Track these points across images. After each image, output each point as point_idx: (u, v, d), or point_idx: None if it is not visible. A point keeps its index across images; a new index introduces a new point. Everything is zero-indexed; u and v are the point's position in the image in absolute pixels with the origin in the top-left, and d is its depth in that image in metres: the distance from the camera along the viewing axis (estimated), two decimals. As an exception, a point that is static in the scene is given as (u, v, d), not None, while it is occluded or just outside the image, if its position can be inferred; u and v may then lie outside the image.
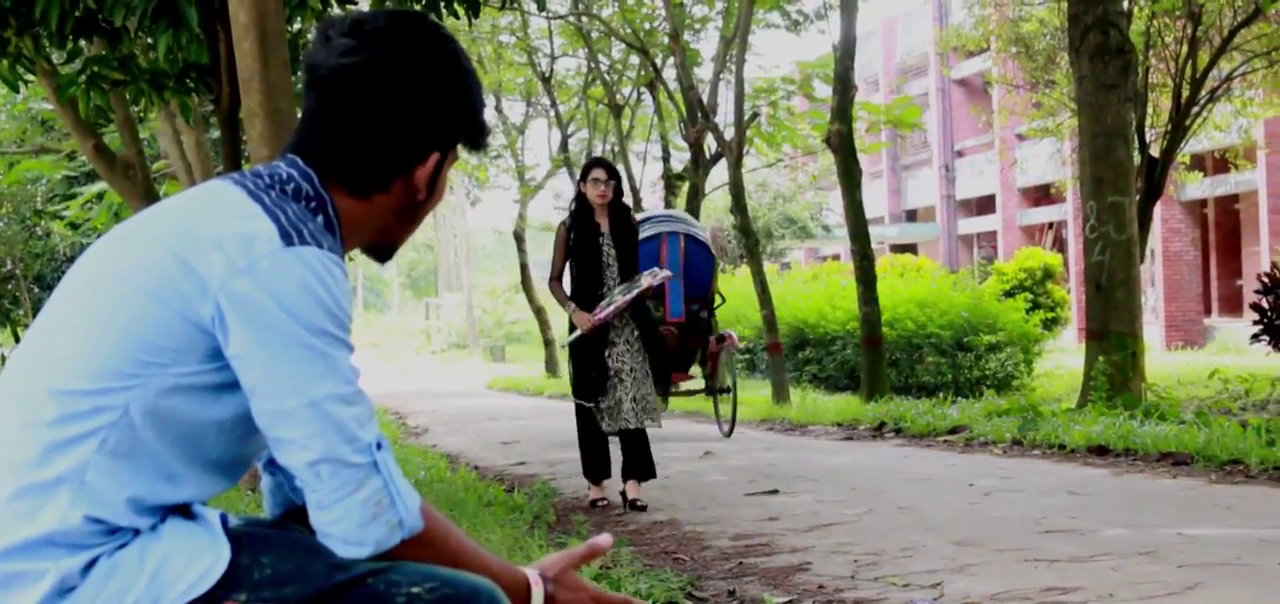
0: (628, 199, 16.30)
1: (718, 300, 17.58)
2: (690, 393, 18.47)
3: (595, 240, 10.46)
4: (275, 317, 2.43)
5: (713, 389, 17.33)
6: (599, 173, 10.47)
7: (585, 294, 10.44)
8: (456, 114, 2.74)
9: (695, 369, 17.64)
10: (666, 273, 11.32)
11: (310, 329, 2.44)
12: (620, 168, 32.10)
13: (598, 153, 34.91)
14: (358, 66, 2.64)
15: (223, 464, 2.60)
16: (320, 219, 2.62)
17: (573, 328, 10.54)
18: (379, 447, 2.50)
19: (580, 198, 10.55)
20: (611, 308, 10.24)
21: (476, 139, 2.81)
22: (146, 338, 2.45)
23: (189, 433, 2.51)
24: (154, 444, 2.48)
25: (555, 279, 10.62)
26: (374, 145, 2.67)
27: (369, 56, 2.64)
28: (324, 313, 2.46)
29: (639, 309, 10.50)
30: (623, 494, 10.40)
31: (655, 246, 16.69)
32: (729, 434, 16.51)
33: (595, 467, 10.62)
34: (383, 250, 2.86)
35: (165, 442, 2.49)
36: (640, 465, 10.43)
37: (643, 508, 10.14)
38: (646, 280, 10.35)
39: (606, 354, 10.36)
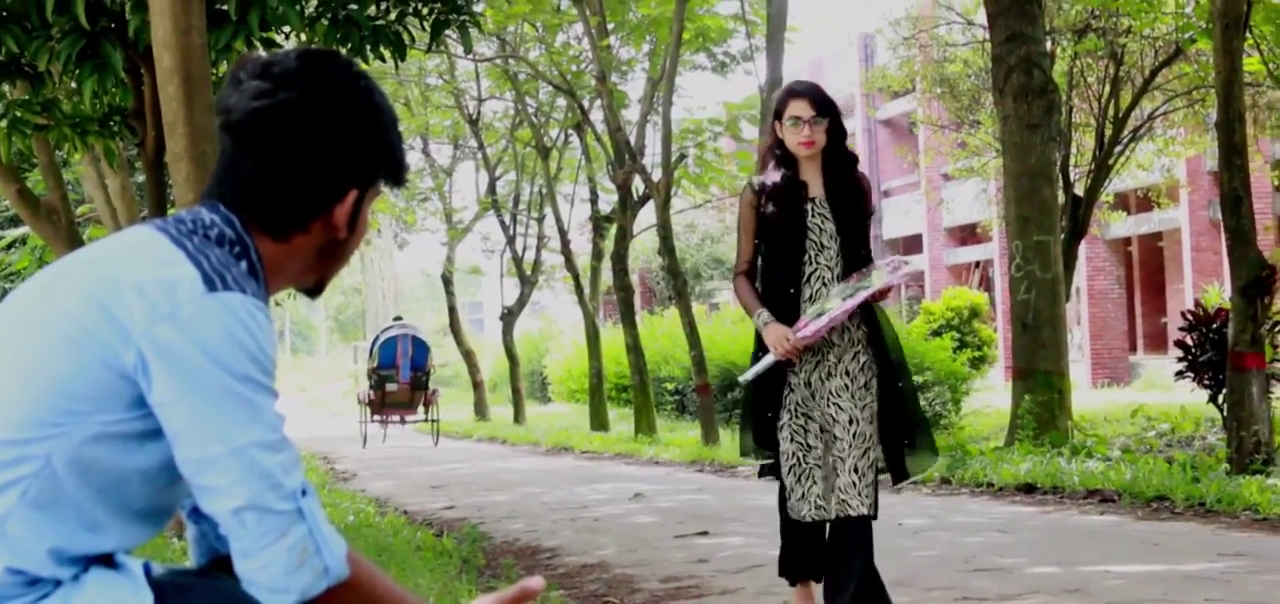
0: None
1: (433, 370, 27.97)
2: (414, 422, 28.18)
3: (798, 210, 6.75)
4: (199, 363, 2.40)
5: (430, 419, 26.93)
6: (800, 106, 6.70)
7: (782, 296, 6.75)
8: (372, 150, 2.71)
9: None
10: (908, 266, 7.15)
11: (234, 375, 2.42)
12: (548, 210, 32.25)
13: (525, 195, 34.79)
14: (269, 109, 2.61)
15: (146, 513, 2.57)
16: (244, 264, 2.59)
17: (759, 350, 6.82)
18: (304, 493, 2.48)
19: (778, 147, 6.85)
20: (824, 320, 6.52)
21: (395, 174, 2.78)
22: (69, 386, 2.42)
23: (112, 482, 2.48)
24: (76, 493, 2.45)
25: (742, 274, 6.95)
26: (290, 187, 2.64)
27: (281, 98, 2.61)
28: (248, 359, 2.44)
29: (871, 323, 6.79)
30: None
31: (395, 345, 27.33)
32: (436, 444, 25.93)
33: (797, 558, 6.89)
34: (313, 289, 2.85)
35: (88, 491, 2.46)
36: (852, 577, 6.56)
37: None
38: (881, 278, 6.65)
39: (813, 387, 6.69)
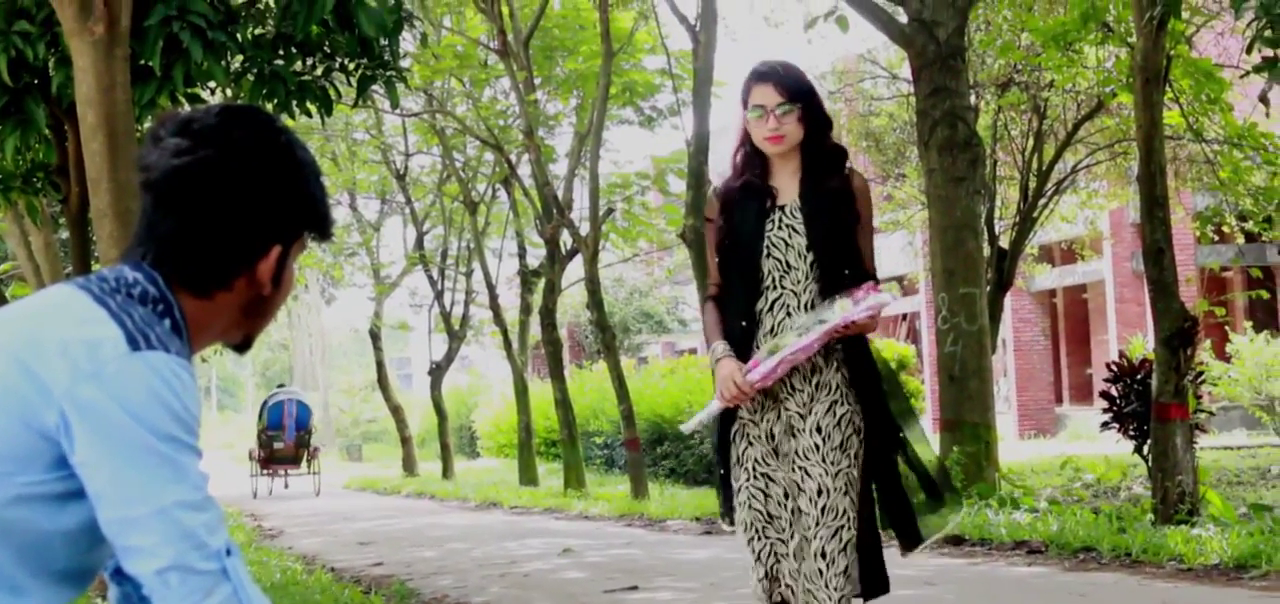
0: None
1: (315, 429, 32.58)
2: (303, 475, 31.21)
3: (756, 221, 5.53)
4: (122, 423, 2.38)
5: (313, 473, 30.52)
6: (764, 91, 5.46)
7: (734, 328, 5.51)
8: (294, 205, 2.70)
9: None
10: (878, 301, 5.34)
11: (158, 435, 2.40)
12: (476, 264, 32.22)
13: (453, 250, 34.68)
14: (189, 166, 2.59)
15: (69, 574, 2.55)
16: (167, 322, 2.57)
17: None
18: (228, 553, 2.46)
19: (746, 143, 5.61)
20: (778, 360, 5.28)
21: (320, 228, 2.77)
22: (-11, 447, 2.40)
23: (33, 543, 2.45)
24: (-4, 555, 2.42)
25: (708, 300, 5.68)
26: (212, 244, 2.63)
27: (200, 155, 2.60)
28: (172, 418, 2.42)
29: (856, 363, 5.51)
30: None
31: (281, 408, 31.56)
32: (317, 494, 29.37)
33: None
34: (240, 345, 2.83)
35: (8, 552, 2.43)
36: None
37: None
38: (841, 312, 5.30)
39: (777, 441, 5.45)
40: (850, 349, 5.46)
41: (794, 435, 5.37)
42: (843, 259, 5.42)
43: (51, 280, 12.27)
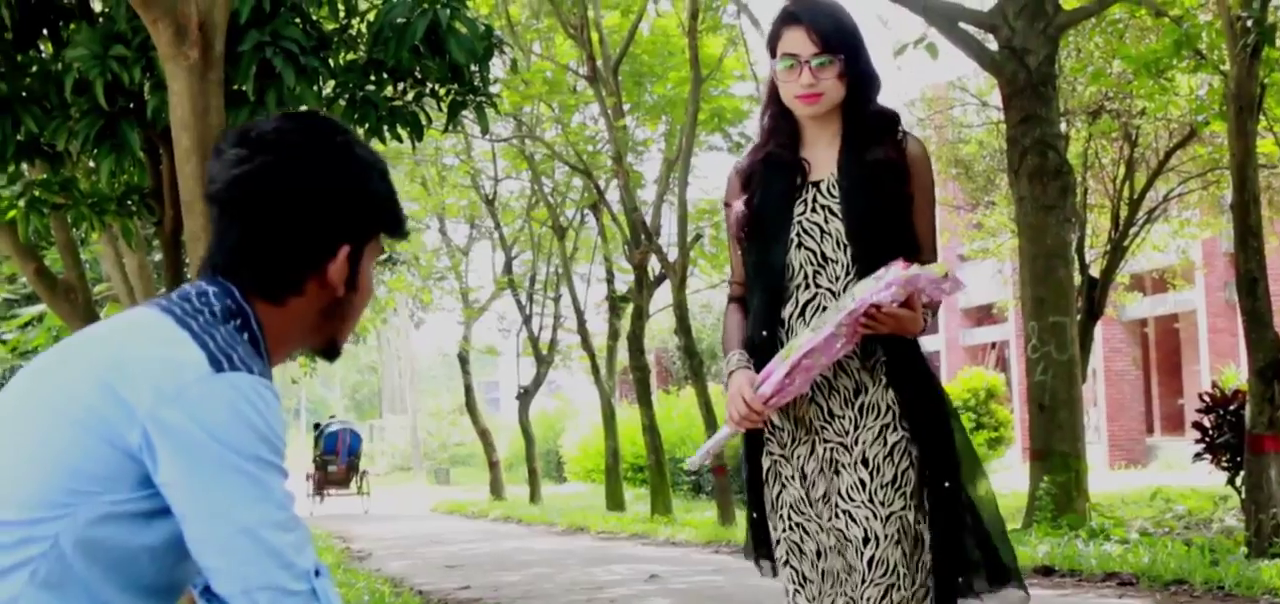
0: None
1: (363, 455, 37.10)
2: (345, 496, 35.35)
3: (786, 205, 4.30)
4: (205, 444, 2.40)
5: (363, 494, 34.88)
6: (796, 38, 4.21)
7: (755, 338, 4.31)
8: (356, 204, 2.72)
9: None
10: (907, 273, 3.98)
11: (242, 455, 2.42)
12: (564, 289, 32.25)
13: (541, 275, 34.75)
14: (248, 174, 2.63)
15: (156, 591, 2.56)
16: (246, 336, 2.60)
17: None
18: (317, 573, 2.47)
19: (773, 104, 4.38)
20: (791, 366, 4.07)
21: (390, 226, 2.79)
22: (76, 466, 2.42)
23: (120, 560, 2.47)
24: (85, 573, 2.44)
25: (732, 302, 4.49)
26: (277, 249, 2.66)
27: (258, 162, 2.64)
28: (256, 438, 2.43)
29: (909, 379, 4.20)
30: None
31: (336, 436, 36.26)
32: (366, 512, 32.61)
33: None
34: (326, 351, 2.84)
35: (96, 570, 2.45)
36: None
37: None
38: (864, 292, 4.02)
39: (810, 481, 4.28)
40: (897, 361, 4.21)
41: (837, 472, 4.21)
42: (893, 248, 4.15)
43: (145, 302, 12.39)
